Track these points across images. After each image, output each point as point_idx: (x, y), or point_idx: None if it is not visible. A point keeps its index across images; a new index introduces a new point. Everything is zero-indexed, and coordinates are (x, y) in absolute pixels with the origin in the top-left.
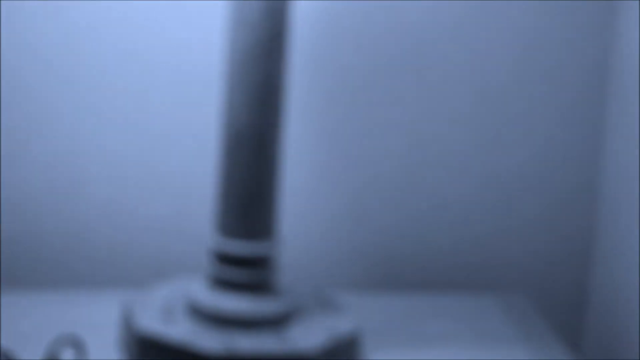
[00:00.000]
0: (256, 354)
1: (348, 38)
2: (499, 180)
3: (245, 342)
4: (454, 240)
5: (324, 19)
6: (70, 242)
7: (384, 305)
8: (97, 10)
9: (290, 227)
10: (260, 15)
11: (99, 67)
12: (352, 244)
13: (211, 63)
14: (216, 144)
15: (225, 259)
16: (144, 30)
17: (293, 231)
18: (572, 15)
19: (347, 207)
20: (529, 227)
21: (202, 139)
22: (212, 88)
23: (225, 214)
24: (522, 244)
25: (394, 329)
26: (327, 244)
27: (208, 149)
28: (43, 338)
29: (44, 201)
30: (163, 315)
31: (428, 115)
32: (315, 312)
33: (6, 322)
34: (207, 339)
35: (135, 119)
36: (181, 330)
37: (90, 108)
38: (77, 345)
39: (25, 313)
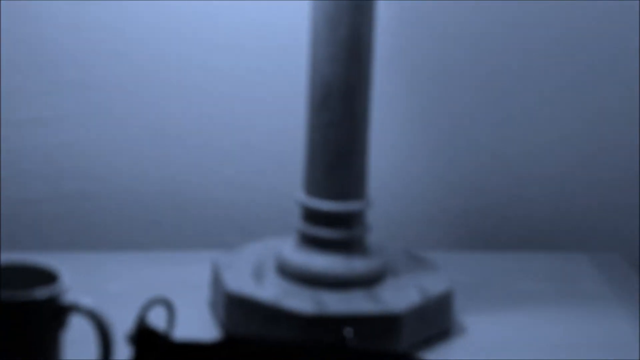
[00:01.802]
0: (347, 314)
1: None
2: (594, 141)
3: (336, 301)
4: (548, 200)
5: None
6: (160, 203)
7: (476, 265)
8: None
9: (383, 186)
10: None
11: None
12: (444, 204)
13: (297, 17)
14: (304, 100)
15: (315, 217)
16: None
17: (385, 190)
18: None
19: (439, 166)
20: (624, 187)
21: (290, 96)
22: (300, 44)
23: (314, 171)
24: (617, 203)
25: (487, 288)
26: (418, 203)
27: (297, 106)
28: (134, 299)
29: (134, 163)
30: (253, 276)
31: (520, 76)
32: (406, 271)
33: (98, 283)
34: (298, 299)
35: (219, 75)
36: (271, 290)
37: (174, 62)
38: (168, 306)
39: (117, 274)
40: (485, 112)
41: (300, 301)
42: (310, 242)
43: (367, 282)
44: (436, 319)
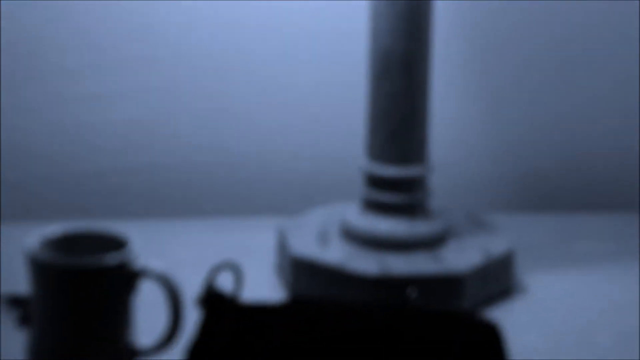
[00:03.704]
0: (411, 275)
1: None
2: None
3: (400, 263)
4: (607, 161)
5: None
6: (226, 173)
7: (536, 226)
8: None
9: (443, 151)
10: None
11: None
12: (503, 167)
13: None
14: (365, 69)
15: (378, 183)
16: None
17: (446, 155)
18: None
19: (497, 130)
20: None
21: (350, 65)
22: (359, 14)
23: (376, 137)
24: None
25: (546, 248)
26: (478, 167)
27: (357, 74)
28: (201, 265)
29: (200, 135)
30: (318, 240)
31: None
32: (468, 233)
33: (166, 249)
34: (362, 262)
35: (282, 48)
36: (336, 254)
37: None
38: (236, 270)
39: (183, 241)
40: (542, 76)
41: (365, 263)
42: (374, 206)
43: (430, 244)
44: (498, 279)
